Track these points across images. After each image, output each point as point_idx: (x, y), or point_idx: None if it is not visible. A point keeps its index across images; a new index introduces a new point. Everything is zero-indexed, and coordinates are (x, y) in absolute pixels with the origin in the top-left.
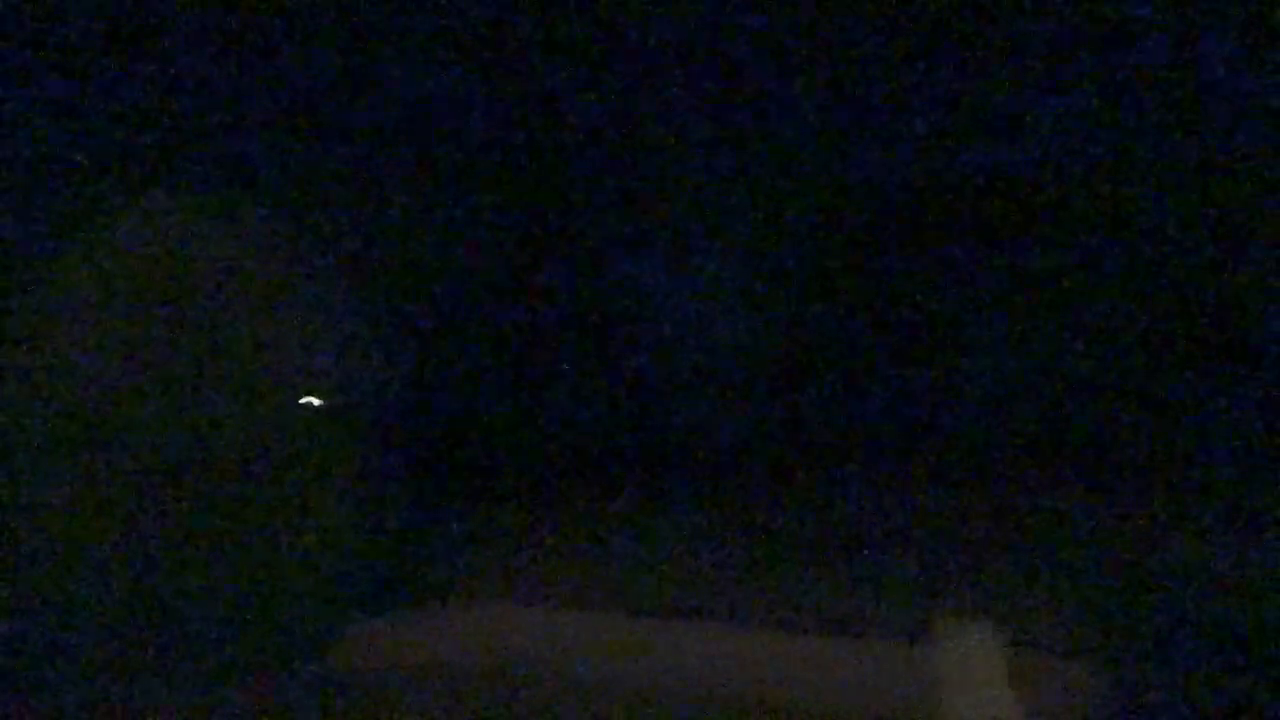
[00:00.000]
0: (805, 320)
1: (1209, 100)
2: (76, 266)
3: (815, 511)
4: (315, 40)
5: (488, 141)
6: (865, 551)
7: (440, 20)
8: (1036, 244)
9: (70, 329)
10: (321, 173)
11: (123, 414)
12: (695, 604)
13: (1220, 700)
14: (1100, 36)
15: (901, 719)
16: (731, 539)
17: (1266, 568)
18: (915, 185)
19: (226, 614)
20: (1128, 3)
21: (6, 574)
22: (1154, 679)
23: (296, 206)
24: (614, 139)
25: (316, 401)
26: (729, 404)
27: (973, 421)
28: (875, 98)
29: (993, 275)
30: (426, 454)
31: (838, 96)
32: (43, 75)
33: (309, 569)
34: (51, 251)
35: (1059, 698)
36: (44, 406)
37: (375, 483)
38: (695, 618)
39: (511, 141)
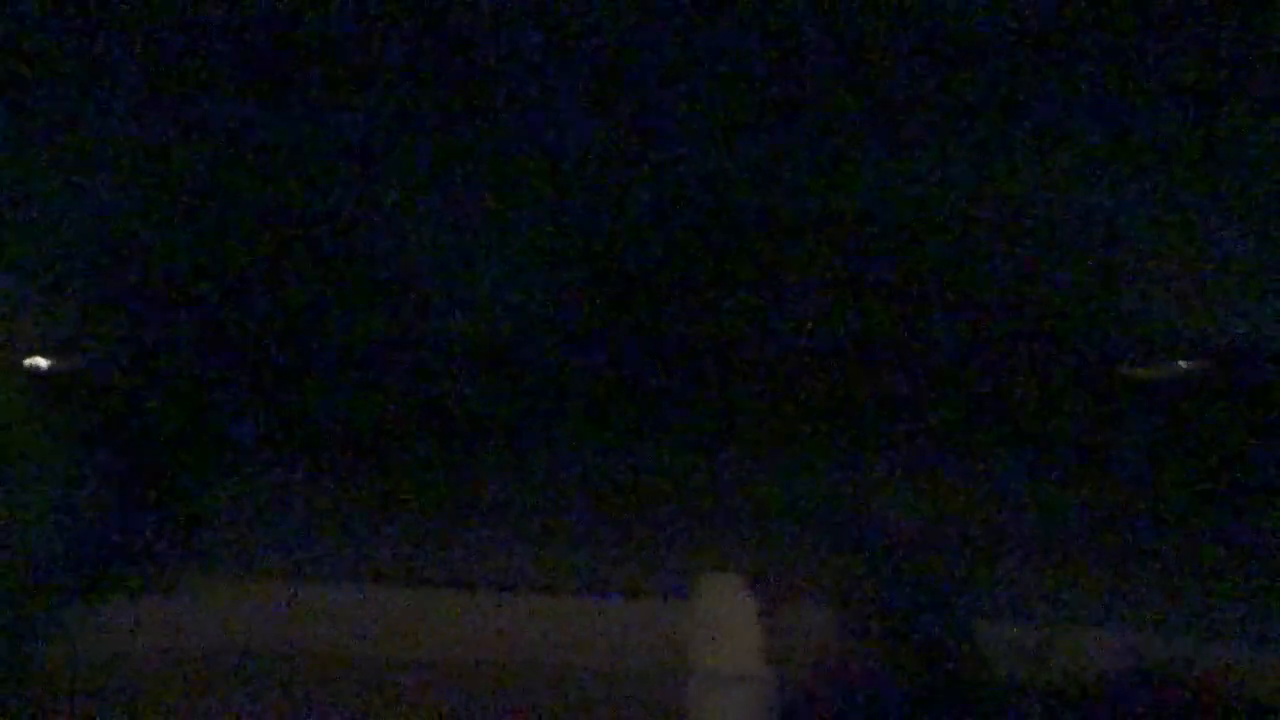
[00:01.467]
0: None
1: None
2: None
3: (566, 479)
4: None
5: None
6: (625, 514)
7: None
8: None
9: None
10: None
11: None
12: (446, 573)
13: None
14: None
15: (656, 674)
16: (474, 508)
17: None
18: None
19: None
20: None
21: None
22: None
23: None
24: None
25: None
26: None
27: (720, 384)
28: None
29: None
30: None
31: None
32: None
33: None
34: None
35: (815, 647)
36: None
37: (85, 460)
38: (447, 587)
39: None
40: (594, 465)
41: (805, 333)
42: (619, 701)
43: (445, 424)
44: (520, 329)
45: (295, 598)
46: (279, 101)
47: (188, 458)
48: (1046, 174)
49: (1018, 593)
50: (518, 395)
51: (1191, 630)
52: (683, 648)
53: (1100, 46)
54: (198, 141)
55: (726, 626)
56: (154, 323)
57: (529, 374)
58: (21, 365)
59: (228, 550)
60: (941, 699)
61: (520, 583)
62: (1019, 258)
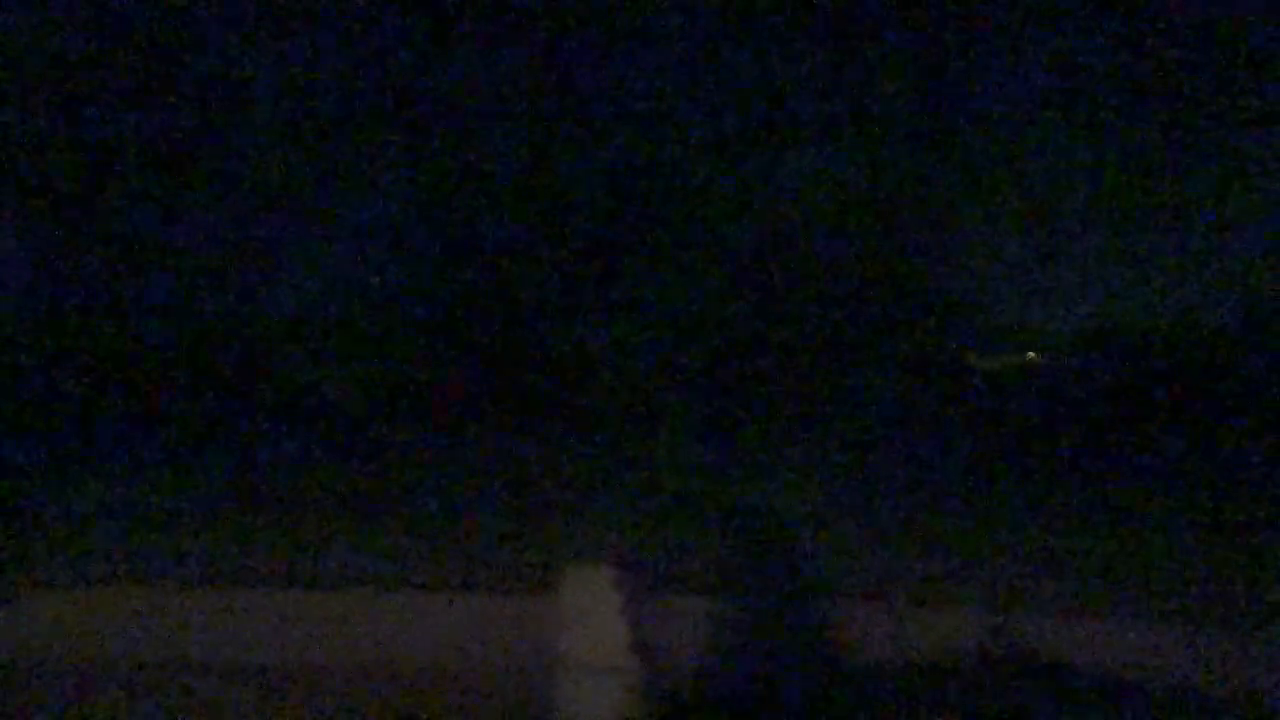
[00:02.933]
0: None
1: None
2: None
3: (427, 473)
4: None
5: None
6: (488, 508)
7: None
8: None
9: None
10: None
11: None
12: (303, 574)
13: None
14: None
15: (520, 667)
16: (333, 505)
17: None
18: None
19: None
20: None
21: None
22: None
23: None
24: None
25: None
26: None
27: (583, 376)
28: None
29: None
30: None
31: None
32: None
33: None
34: None
35: (681, 636)
36: None
37: None
38: (303, 588)
39: None
40: (456, 459)
41: (668, 325)
42: (487, 697)
43: (297, 419)
44: (375, 322)
45: (136, 604)
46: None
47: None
48: (898, 171)
49: (878, 576)
50: (374, 389)
51: (1048, 609)
52: (551, 641)
53: (959, 41)
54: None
55: (594, 618)
56: None
57: (384, 367)
58: None
59: (64, 557)
60: (807, 682)
61: (381, 580)
62: (869, 250)
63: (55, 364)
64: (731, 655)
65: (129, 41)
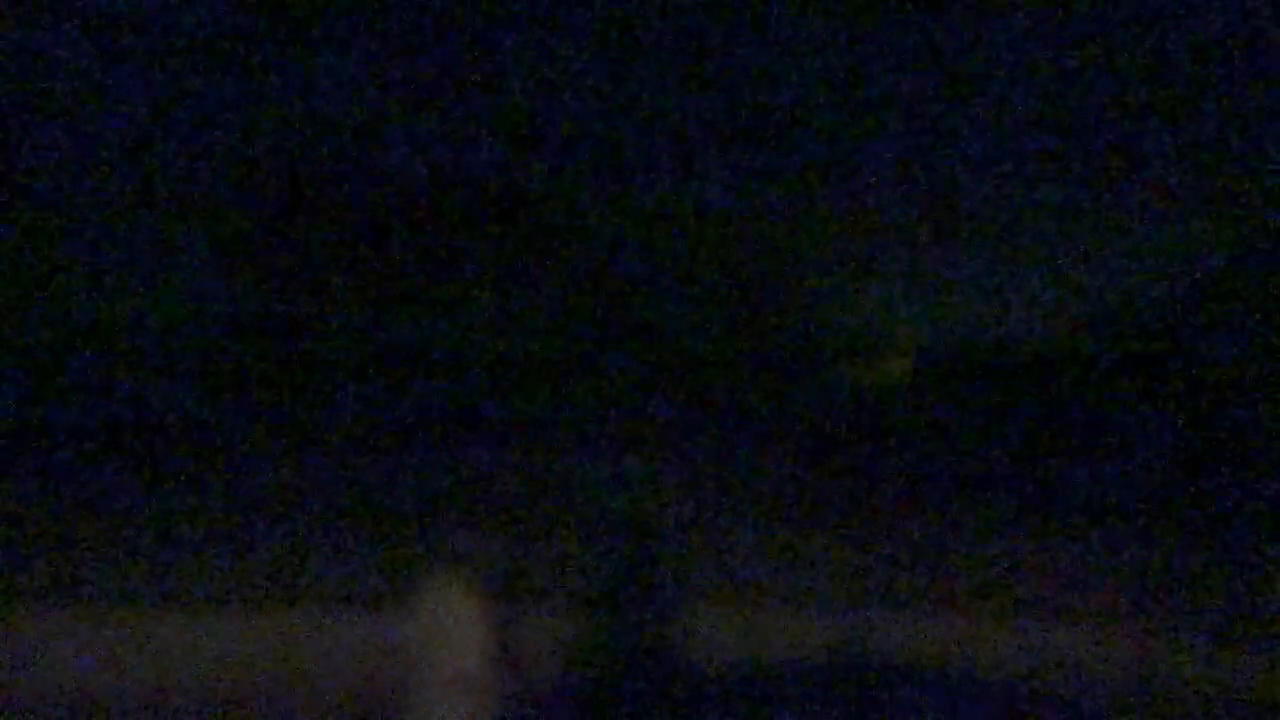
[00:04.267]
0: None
1: None
2: None
3: (274, 484)
4: None
5: None
6: (340, 519)
7: None
8: None
9: None
10: None
11: None
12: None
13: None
14: None
15: (372, 687)
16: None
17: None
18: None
19: None
20: None
21: None
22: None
23: None
24: None
25: None
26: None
27: (438, 383)
28: None
29: None
30: None
31: None
32: None
33: None
34: None
35: (532, 644)
36: None
37: None
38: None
39: None
40: (305, 470)
41: (528, 328)
42: (347, 713)
43: (126, 431)
44: (200, 326)
45: None
46: None
47: None
48: (760, 177)
49: (737, 579)
50: (207, 397)
51: (904, 612)
52: (411, 655)
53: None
54: None
55: (454, 632)
56: None
57: (213, 374)
58: None
59: None
60: (667, 690)
61: (232, 596)
62: (730, 257)
63: None
64: (584, 664)
65: None
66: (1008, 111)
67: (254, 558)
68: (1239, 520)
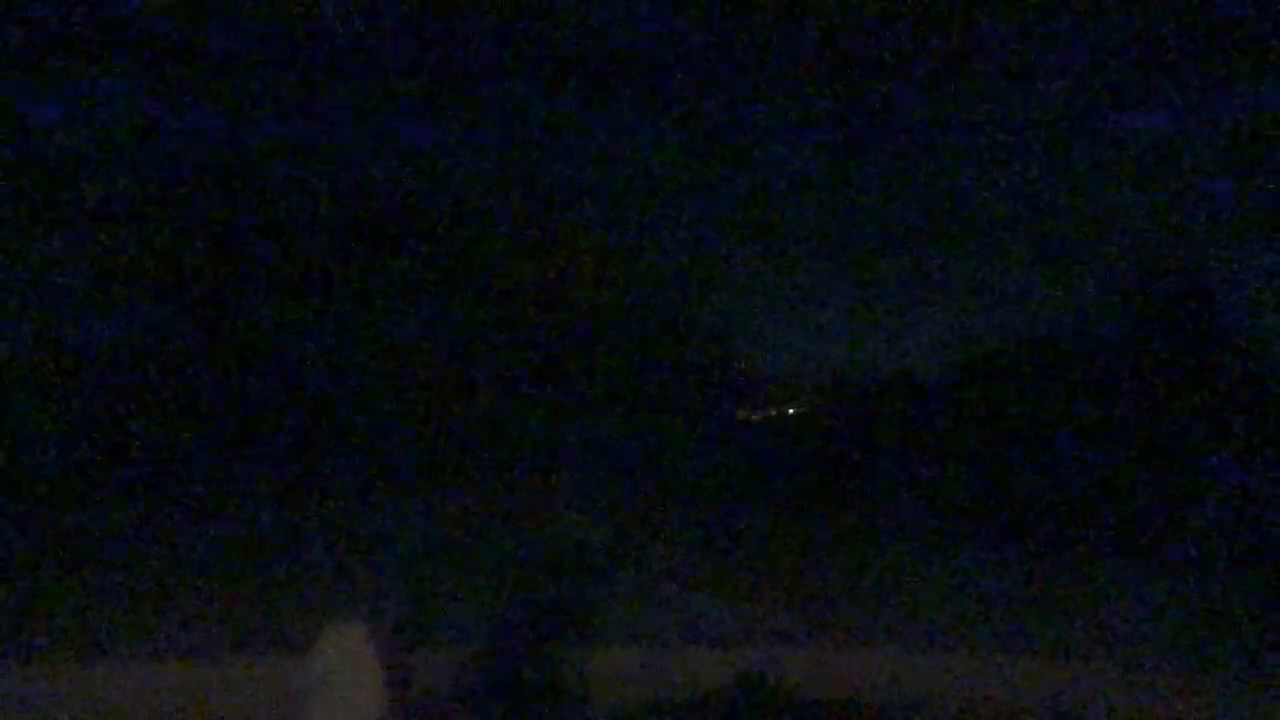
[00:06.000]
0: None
1: None
2: None
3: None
4: None
5: None
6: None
7: None
8: None
9: None
10: None
11: None
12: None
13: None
14: None
15: None
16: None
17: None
18: None
19: None
20: None
21: None
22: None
23: None
24: None
25: None
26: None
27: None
28: None
29: None
30: None
31: None
32: None
33: None
34: None
35: (435, 687)
36: None
37: None
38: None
39: None
40: (195, 514)
41: (431, 364)
42: None
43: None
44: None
45: None
46: None
47: None
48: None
49: (634, 615)
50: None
51: (806, 645)
52: (304, 703)
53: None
54: None
55: (348, 678)
56: None
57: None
58: None
59: None
60: None
61: (127, 647)
62: (650, 291)
63: None
64: (490, 703)
65: None
66: None
67: (148, 608)
68: (1065, 539)
